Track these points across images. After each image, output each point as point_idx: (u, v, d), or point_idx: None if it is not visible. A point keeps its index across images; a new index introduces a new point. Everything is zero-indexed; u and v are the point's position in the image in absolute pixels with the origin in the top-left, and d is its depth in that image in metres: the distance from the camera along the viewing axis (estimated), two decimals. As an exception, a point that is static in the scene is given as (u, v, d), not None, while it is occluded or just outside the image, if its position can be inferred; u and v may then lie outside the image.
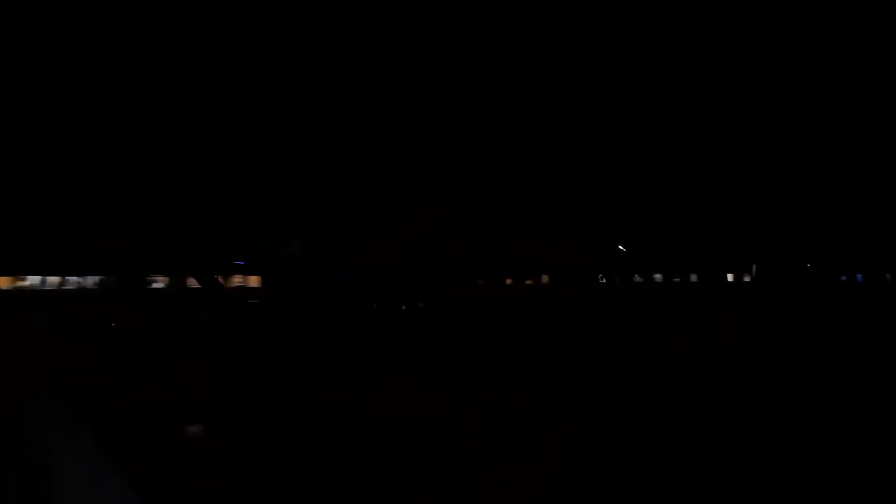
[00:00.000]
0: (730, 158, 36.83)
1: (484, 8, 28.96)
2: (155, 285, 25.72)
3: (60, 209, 23.19)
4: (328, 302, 26.60)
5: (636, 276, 38.43)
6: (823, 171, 38.61)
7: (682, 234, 37.39)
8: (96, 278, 24.90)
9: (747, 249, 39.29)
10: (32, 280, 24.05)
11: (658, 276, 38.76)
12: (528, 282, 35.03)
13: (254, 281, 28.21)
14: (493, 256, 32.59)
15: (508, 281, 34.86)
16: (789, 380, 11.03)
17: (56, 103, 22.98)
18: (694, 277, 39.41)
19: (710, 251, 38.47)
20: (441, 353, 14.28)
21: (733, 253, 39.05)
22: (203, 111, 25.60)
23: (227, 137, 26.04)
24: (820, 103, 36.42)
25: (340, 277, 28.47)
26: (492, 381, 10.74)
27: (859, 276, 42.92)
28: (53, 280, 24.26)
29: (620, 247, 37.74)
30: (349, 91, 28.15)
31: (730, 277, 40.51)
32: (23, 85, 21.95)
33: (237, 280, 27.72)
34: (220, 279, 27.24)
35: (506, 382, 10.67)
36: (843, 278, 42.75)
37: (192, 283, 26.37)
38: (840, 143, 38.59)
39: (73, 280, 24.62)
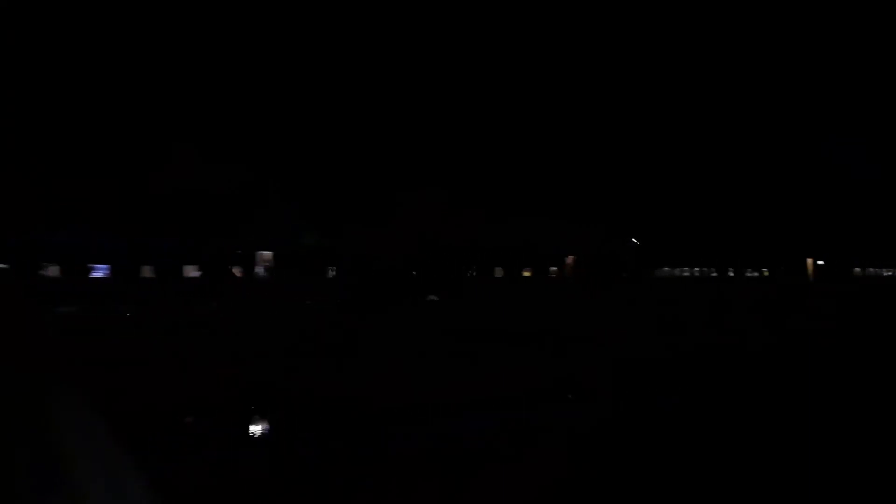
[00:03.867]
0: (733, 155, 36.69)
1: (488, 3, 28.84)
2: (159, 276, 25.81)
3: (75, 199, 23.36)
4: (338, 295, 26.63)
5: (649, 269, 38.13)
6: (829, 168, 38.56)
7: (690, 228, 37.14)
8: (112, 270, 25.05)
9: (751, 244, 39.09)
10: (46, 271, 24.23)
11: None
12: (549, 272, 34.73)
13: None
14: (502, 251, 32.47)
15: (527, 273, 34.60)
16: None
17: (86, 100, 23.20)
18: (706, 271, 39.15)
19: (718, 245, 38.24)
20: (448, 349, 14.22)
21: (740, 247, 38.86)
22: (217, 109, 25.70)
23: (237, 133, 26.12)
24: (818, 102, 36.39)
25: (353, 269, 28.49)
26: (499, 378, 10.67)
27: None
28: (69, 271, 24.43)
29: (634, 240, 37.50)
30: (363, 85, 28.11)
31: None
32: (35, 84, 22.11)
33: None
34: (234, 271, 27.29)
35: (514, 379, 10.60)
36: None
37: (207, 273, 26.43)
38: (837, 137, 38.51)
39: (88, 272, 24.81)
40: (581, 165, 33.47)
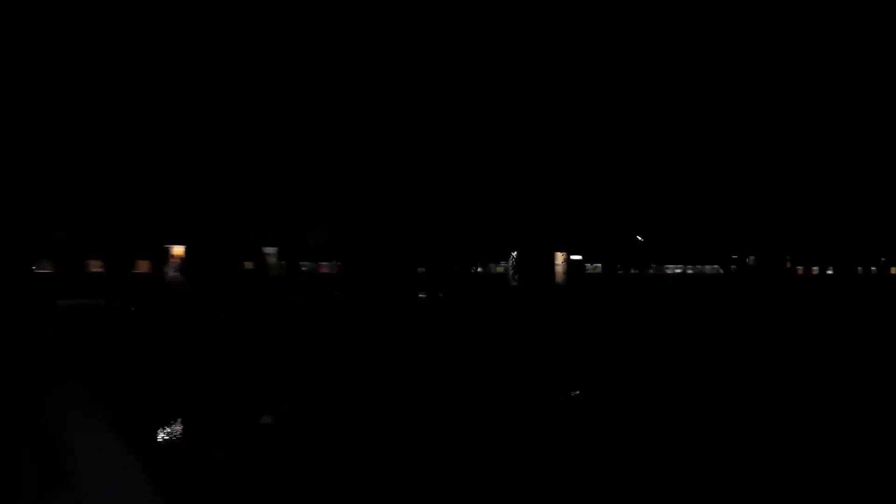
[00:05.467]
0: (732, 154, 36.77)
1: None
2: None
3: (76, 199, 23.38)
4: (340, 293, 26.59)
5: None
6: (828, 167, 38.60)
7: (695, 225, 37.16)
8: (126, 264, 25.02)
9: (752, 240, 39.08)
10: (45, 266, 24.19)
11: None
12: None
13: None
14: (504, 247, 32.48)
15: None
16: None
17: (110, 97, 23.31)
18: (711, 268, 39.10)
19: (726, 242, 38.26)
20: (452, 352, 14.17)
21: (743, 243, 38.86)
22: (217, 108, 25.77)
23: (238, 133, 26.19)
24: (818, 99, 36.46)
25: (354, 267, 28.50)
26: (503, 382, 10.63)
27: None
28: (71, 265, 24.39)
29: (639, 237, 37.50)
30: (364, 85, 28.13)
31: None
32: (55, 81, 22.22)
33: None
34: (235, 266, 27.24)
35: (517, 384, 10.56)
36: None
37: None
38: (837, 136, 38.63)
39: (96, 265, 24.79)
40: (582, 164, 33.47)
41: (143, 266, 25.57)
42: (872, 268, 43.30)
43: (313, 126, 27.84)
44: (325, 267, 29.48)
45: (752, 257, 39.51)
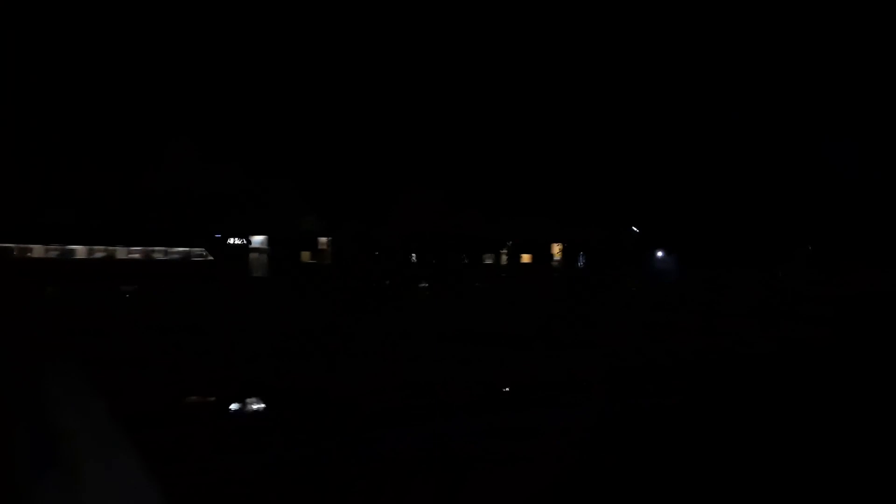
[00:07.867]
0: (734, 152, 36.89)
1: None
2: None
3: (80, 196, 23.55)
4: (337, 284, 26.60)
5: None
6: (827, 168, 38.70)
7: (692, 217, 37.24)
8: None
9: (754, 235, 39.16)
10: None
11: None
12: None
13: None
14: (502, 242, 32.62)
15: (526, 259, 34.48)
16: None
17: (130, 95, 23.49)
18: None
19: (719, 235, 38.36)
20: (445, 346, 14.16)
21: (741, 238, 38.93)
22: (225, 111, 26.00)
23: (244, 136, 26.45)
24: (817, 100, 36.64)
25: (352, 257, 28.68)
26: (496, 378, 10.66)
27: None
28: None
29: (634, 228, 37.54)
30: (368, 88, 28.25)
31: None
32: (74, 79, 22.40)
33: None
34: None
35: (510, 379, 10.60)
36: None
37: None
38: (836, 138, 38.79)
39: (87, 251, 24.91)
40: (580, 164, 33.53)
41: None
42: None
43: (313, 127, 28.00)
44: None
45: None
